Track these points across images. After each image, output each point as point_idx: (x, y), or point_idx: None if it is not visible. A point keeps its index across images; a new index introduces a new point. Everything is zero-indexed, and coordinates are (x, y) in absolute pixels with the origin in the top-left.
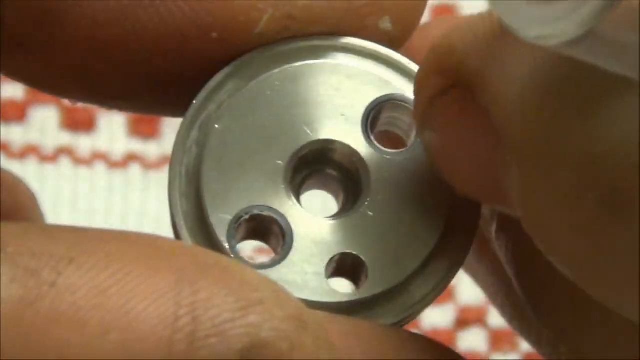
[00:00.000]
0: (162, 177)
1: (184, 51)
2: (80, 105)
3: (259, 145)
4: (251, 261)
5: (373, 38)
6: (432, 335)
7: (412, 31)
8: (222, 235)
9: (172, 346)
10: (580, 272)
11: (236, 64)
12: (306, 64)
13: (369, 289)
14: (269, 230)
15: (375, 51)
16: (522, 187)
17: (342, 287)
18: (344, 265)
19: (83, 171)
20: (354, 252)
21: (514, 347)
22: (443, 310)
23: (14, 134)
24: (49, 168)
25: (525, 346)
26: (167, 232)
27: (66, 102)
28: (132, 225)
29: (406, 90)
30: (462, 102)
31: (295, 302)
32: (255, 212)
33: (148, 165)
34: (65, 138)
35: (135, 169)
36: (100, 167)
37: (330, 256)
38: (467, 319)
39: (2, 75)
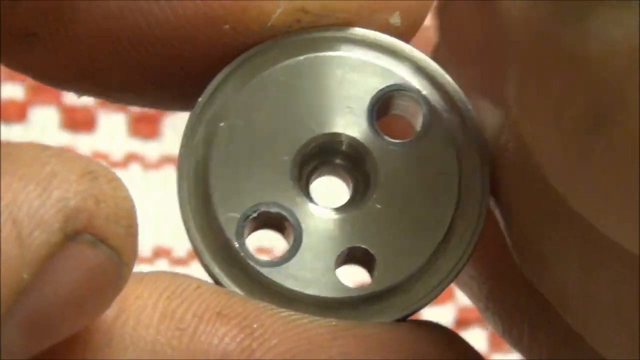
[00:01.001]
0: (162, 177)
1: (195, 43)
2: (80, 105)
3: (265, 142)
4: (262, 259)
5: (383, 32)
6: None
7: (419, 27)
8: (231, 233)
9: (7, 256)
10: (563, 180)
11: (238, 60)
12: (309, 57)
13: (378, 282)
14: (279, 226)
15: (378, 40)
16: (519, 85)
17: (354, 277)
18: (354, 257)
19: None
20: (363, 246)
21: None
22: (443, 310)
23: (14, 134)
24: None
25: None
26: (168, 231)
27: (66, 102)
28: None
29: (411, 78)
30: None
31: (75, 156)
32: (263, 209)
33: (148, 165)
34: (65, 138)
35: (135, 169)
36: None
37: (339, 251)
38: (467, 319)
39: (8, 68)
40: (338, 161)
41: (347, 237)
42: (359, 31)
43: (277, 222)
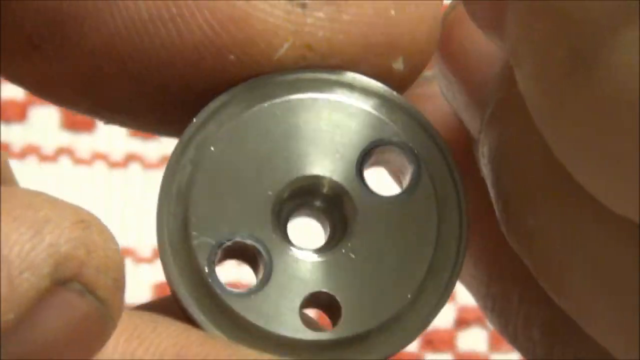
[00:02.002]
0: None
1: (199, 70)
2: None
3: (252, 173)
4: (230, 288)
5: (385, 76)
6: (432, 336)
7: (421, 72)
8: (203, 258)
9: None
10: (548, 129)
11: (240, 88)
12: (309, 97)
13: (340, 330)
14: (250, 258)
15: (376, 89)
16: (514, 25)
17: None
18: (320, 302)
19: (83, 171)
20: (331, 293)
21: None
22: (443, 310)
23: (14, 134)
24: (49, 168)
25: None
26: None
27: None
28: (132, 225)
29: (404, 133)
30: None
31: (69, 204)
32: (238, 239)
33: (148, 165)
34: (65, 138)
35: (135, 169)
36: (100, 167)
37: (306, 293)
38: (467, 319)
39: (8, 80)
40: (319, 204)
41: (316, 281)
42: (362, 78)
43: (249, 255)
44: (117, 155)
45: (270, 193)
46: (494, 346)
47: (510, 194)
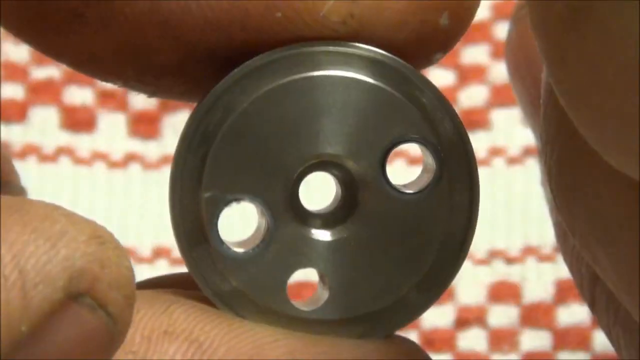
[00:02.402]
0: (162, 177)
1: (245, 29)
2: (80, 105)
3: (275, 141)
4: (228, 246)
5: (431, 33)
6: (431, 335)
7: (467, 27)
8: (208, 211)
9: (9, 304)
10: (552, 77)
11: (282, 52)
12: (349, 77)
13: (322, 312)
14: (258, 222)
15: (419, 82)
16: None
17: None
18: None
19: (83, 171)
20: (323, 274)
21: (514, 347)
22: (443, 310)
23: (14, 134)
24: (49, 168)
25: (525, 346)
26: (168, 231)
27: (66, 102)
28: (132, 225)
29: (434, 132)
30: None
31: (84, 219)
32: (247, 201)
33: (148, 165)
34: (65, 138)
35: (135, 169)
36: (100, 167)
37: (298, 269)
38: (467, 319)
39: (48, 55)
40: (336, 173)
41: (312, 259)
42: (402, 63)
43: (255, 218)
44: (117, 155)
45: (290, 163)
46: (494, 346)
47: (544, 136)
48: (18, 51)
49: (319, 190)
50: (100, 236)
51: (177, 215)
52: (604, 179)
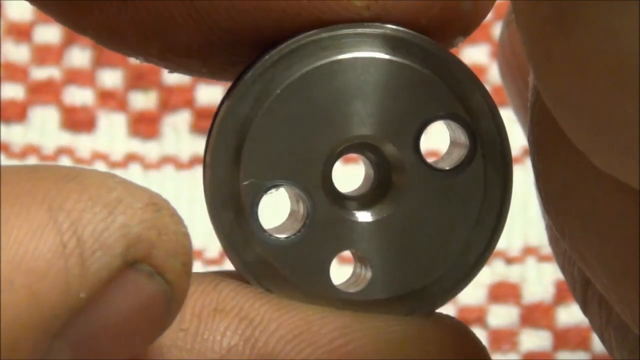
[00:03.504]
0: (162, 177)
1: (269, 9)
2: (80, 105)
3: (311, 125)
4: (267, 232)
5: (453, 16)
6: None
7: (489, 12)
8: (247, 198)
9: (68, 272)
10: (538, 79)
11: (313, 36)
12: (380, 58)
13: (367, 293)
14: (292, 208)
15: (447, 59)
16: None
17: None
18: (351, 262)
19: None
20: (364, 255)
21: (514, 347)
22: (443, 311)
23: (14, 134)
24: None
25: (525, 346)
26: None
27: (66, 102)
28: None
29: (466, 109)
30: None
31: (140, 187)
32: (285, 186)
33: (148, 165)
34: (65, 138)
35: (135, 169)
36: (100, 167)
37: (340, 252)
38: (467, 319)
39: (76, 31)
40: (369, 169)
41: (352, 241)
42: (428, 41)
43: (292, 204)
44: (117, 155)
45: (325, 147)
46: (494, 346)
47: (531, 139)
48: (18, 51)
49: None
50: (156, 203)
51: (215, 207)
52: (592, 181)
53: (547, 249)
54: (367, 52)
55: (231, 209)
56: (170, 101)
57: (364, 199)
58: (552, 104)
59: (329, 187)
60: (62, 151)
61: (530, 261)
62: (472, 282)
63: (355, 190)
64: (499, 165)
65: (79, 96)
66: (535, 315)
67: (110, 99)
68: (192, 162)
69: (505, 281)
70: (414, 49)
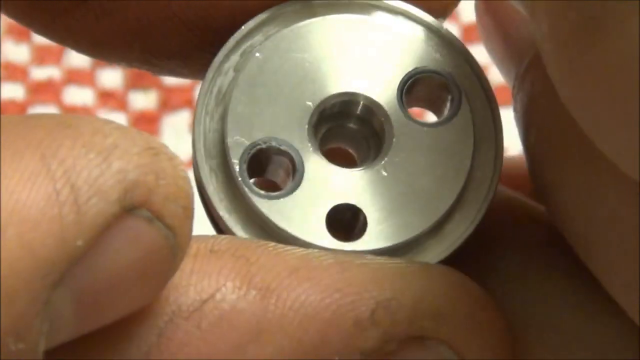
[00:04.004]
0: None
1: (246, 5)
2: (80, 105)
3: (292, 83)
4: (259, 189)
5: (428, 3)
6: None
7: None
8: (235, 157)
9: (62, 219)
10: (560, 84)
11: (287, 6)
12: (355, 18)
13: (363, 244)
14: (281, 165)
15: (423, 19)
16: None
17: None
18: (346, 216)
19: None
20: (357, 206)
21: None
22: None
23: None
24: None
25: None
26: None
27: (66, 102)
28: None
29: (448, 64)
30: None
31: (137, 132)
32: (273, 144)
33: None
34: None
35: None
36: None
37: (334, 204)
38: None
39: (55, 41)
40: (354, 125)
41: (345, 193)
42: (408, 6)
43: (281, 161)
44: None
45: (309, 104)
46: None
47: (536, 148)
48: (18, 51)
49: None
50: (153, 147)
51: (203, 167)
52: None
53: None
54: (343, 14)
55: (219, 169)
56: (170, 101)
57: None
58: (572, 106)
59: (319, 142)
60: None
61: None
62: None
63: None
64: (488, 122)
65: (79, 96)
66: None
67: (110, 99)
68: None
69: None
70: (392, 11)
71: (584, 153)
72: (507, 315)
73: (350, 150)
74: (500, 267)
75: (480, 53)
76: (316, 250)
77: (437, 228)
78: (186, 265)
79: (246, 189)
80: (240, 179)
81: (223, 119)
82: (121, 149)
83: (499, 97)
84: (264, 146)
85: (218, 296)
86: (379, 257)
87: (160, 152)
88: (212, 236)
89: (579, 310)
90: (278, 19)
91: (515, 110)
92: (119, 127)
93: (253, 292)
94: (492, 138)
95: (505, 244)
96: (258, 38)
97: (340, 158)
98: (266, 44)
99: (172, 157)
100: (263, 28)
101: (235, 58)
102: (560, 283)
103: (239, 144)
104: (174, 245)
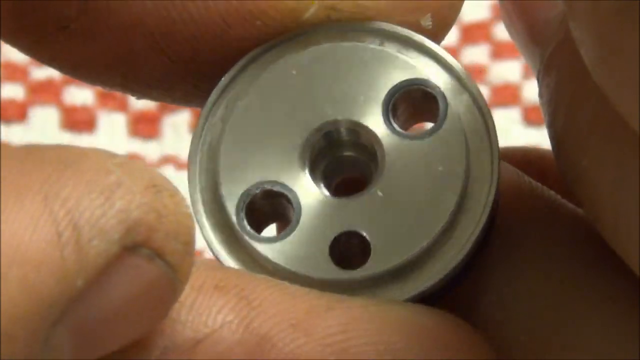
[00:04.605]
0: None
1: (227, 39)
2: (80, 105)
3: (279, 122)
4: (259, 234)
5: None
6: None
7: (450, 28)
8: (231, 206)
9: (64, 261)
10: (597, 67)
11: (264, 46)
12: (334, 46)
13: (371, 268)
14: (280, 205)
15: (405, 35)
16: None
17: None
18: (350, 244)
19: None
20: (359, 231)
21: None
22: None
23: (14, 134)
24: None
25: None
26: None
27: (66, 102)
28: None
29: (432, 74)
30: None
31: (141, 167)
32: (267, 187)
33: (148, 165)
34: (66, 138)
35: None
36: None
37: (335, 234)
38: None
39: (40, 61)
40: (352, 153)
41: (345, 221)
42: (386, 25)
43: (278, 201)
44: None
45: (298, 140)
46: None
47: (564, 135)
48: (18, 52)
49: None
50: (156, 185)
51: (202, 217)
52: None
53: None
54: (323, 44)
55: (220, 220)
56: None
57: (354, 179)
58: (612, 89)
59: (315, 175)
60: None
61: None
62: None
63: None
64: (481, 133)
65: (79, 96)
66: None
67: (110, 99)
68: None
69: None
70: (372, 32)
71: (617, 135)
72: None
73: (362, 178)
74: (524, 268)
75: (480, 54)
76: (324, 303)
77: (442, 238)
78: (188, 298)
79: (246, 237)
80: (239, 228)
81: (215, 172)
82: (124, 187)
83: (497, 97)
84: (257, 192)
85: (214, 337)
86: (386, 307)
87: (162, 189)
88: (222, 268)
89: (607, 308)
90: (257, 62)
91: (540, 95)
92: (122, 162)
93: (250, 338)
94: (485, 140)
95: (526, 242)
96: (240, 85)
97: (352, 188)
98: (248, 90)
99: (174, 194)
100: (242, 74)
101: (221, 110)
102: (587, 281)
103: (233, 194)
104: (174, 280)
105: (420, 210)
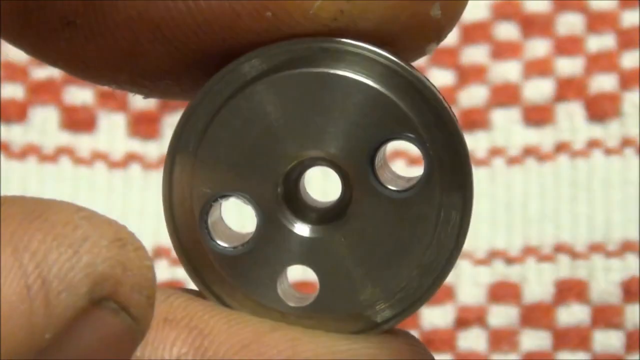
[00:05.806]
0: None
1: (236, 30)
2: (80, 105)
3: (261, 141)
4: (219, 243)
5: (422, 25)
6: (431, 335)
7: (459, 18)
8: (197, 207)
9: (32, 314)
10: None
11: (260, 50)
12: (330, 73)
13: (315, 308)
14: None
15: (403, 73)
16: None
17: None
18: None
19: (83, 171)
20: (311, 269)
21: (514, 347)
22: (443, 310)
23: (14, 134)
24: (49, 168)
25: (525, 346)
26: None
27: (66, 102)
28: (131, 225)
29: (424, 129)
30: None
31: (106, 220)
32: (235, 197)
33: (148, 165)
34: (65, 138)
35: (135, 169)
36: (100, 167)
37: (289, 266)
38: (467, 319)
39: (45, 62)
40: (328, 166)
41: (299, 256)
42: (384, 54)
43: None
44: (117, 155)
45: (276, 162)
46: (494, 346)
47: None
48: (18, 51)
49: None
50: (121, 238)
51: (170, 213)
52: None
53: (547, 249)
54: (324, 68)
55: (184, 215)
56: (171, 101)
57: (325, 214)
58: None
59: (287, 199)
60: (62, 151)
61: (530, 261)
62: (472, 281)
63: (325, 202)
64: (457, 188)
65: (79, 96)
66: (535, 315)
67: (110, 99)
68: None
69: (505, 281)
70: (377, 67)
71: None
72: None
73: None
74: None
75: (480, 54)
76: (268, 325)
77: (393, 297)
78: None
79: (205, 240)
80: (200, 230)
81: (192, 172)
82: (90, 241)
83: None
84: (223, 200)
85: None
86: (330, 335)
87: (127, 243)
88: (167, 300)
89: None
90: (245, 69)
91: None
92: (88, 216)
93: None
94: (458, 212)
95: None
96: (224, 90)
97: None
98: (233, 99)
99: (138, 247)
100: (229, 78)
101: (199, 122)
102: None
103: (202, 194)
104: (136, 331)
105: (376, 267)
